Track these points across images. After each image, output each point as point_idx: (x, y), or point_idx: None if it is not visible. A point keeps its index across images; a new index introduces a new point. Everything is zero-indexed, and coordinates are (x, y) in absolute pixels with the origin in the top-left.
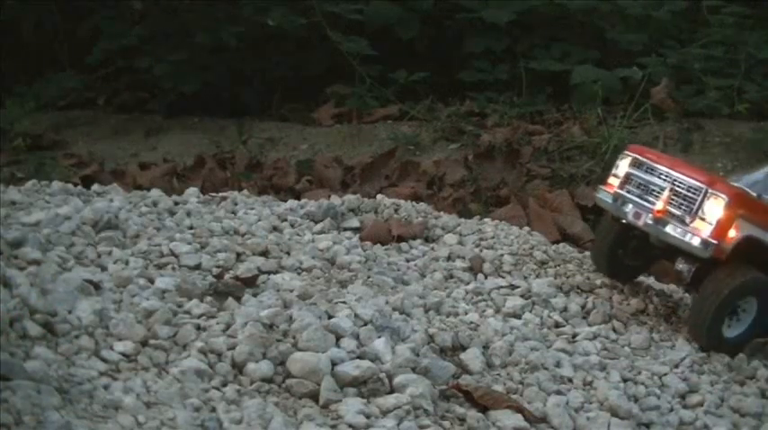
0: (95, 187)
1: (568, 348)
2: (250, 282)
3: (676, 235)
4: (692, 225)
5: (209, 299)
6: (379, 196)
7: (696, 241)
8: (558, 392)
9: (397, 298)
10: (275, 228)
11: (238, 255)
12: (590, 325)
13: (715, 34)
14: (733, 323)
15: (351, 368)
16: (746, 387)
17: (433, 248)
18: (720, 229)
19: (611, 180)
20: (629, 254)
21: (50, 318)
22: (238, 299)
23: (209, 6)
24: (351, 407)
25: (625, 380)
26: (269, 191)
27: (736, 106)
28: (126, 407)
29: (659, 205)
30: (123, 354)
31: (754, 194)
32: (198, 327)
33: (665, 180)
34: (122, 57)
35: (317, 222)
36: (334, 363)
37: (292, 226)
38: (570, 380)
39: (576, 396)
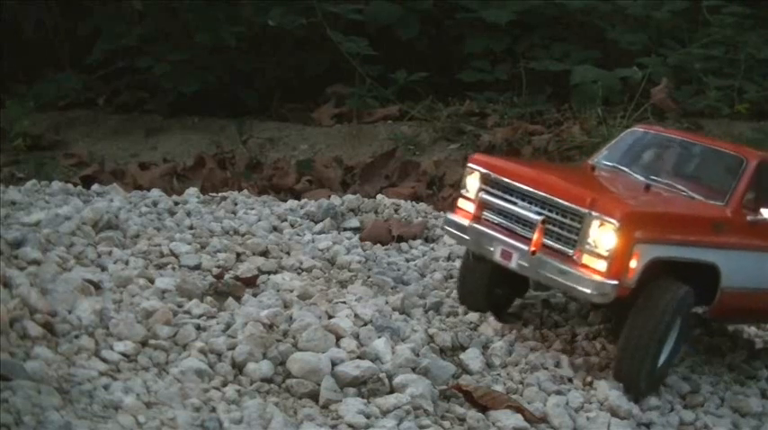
0: (95, 187)
1: (568, 348)
2: (250, 282)
3: (562, 279)
4: (579, 261)
5: (209, 299)
6: (379, 196)
7: (588, 286)
8: (558, 392)
9: (397, 298)
10: (275, 228)
11: (238, 255)
12: (590, 325)
13: (715, 34)
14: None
15: (351, 368)
16: (747, 387)
17: (433, 248)
18: (618, 263)
19: (462, 203)
20: (506, 285)
21: (50, 318)
22: (238, 299)
23: (209, 6)
24: (351, 407)
25: None
26: (269, 191)
27: (736, 106)
28: (126, 407)
29: (533, 240)
30: (123, 354)
31: (621, 167)
32: (198, 327)
33: (531, 203)
34: (122, 57)
35: (316, 222)
36: (334, 363)
37: (292, 226)
38: (570, 380)
39: (575, 396)
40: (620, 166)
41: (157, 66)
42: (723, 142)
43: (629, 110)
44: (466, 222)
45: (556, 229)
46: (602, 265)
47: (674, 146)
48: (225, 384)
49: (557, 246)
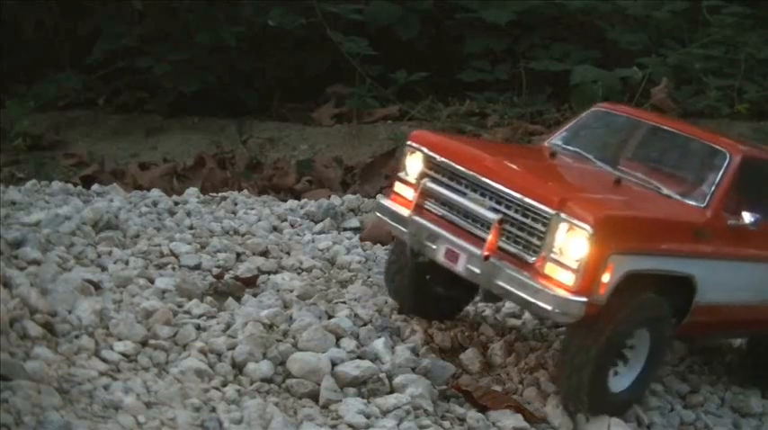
0: (95, 187)
1: None
2: (250, 282)
3: (519, 292)
4: (541, 271)
5: (209, 299)
6: (379, 196)
7: (550, 302)
8: (558, 392)
9: None
10: (275, 228)
11: (238, 255)
12: None
13: (715, 34)
14: (620, 370)
15: (351, 368)
16: (747, 387)
17: None
18: (588, 277)
19: (400, 188)
20: (443, 283)
21: (50, 318)
22: (238, 299)
23: (209, 6)
24: (351, 407)
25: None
26: (269, 191)
27: (736, 106)
28: (126, 407)
29: (487, 242)
30: (123, 354)
31: (584, 154)
32: (198, 327)
33: (484, 195)
34: (122, 57)
35: (316, 222)
36: (334, 363)
37: (292, 226)
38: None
39: None
40: (582, 152)
41: (157, 66)
42: (703, 130)
43: None
44: (405, 212)
45: (514, 230)
46: (568, 278)
47: (644, 131)
48: (225, 384)
49: (515, 250)
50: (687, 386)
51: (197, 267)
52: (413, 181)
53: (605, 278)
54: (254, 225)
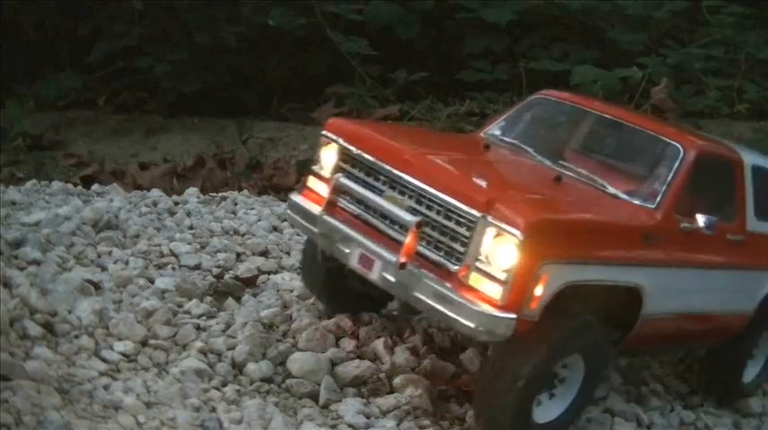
0: (95, 187)
1: None
2: (250, 282)
3: (438, 305)
4: (465, 282)
5: (209, 299)
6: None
7: (473, 319)
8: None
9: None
10: (275, 228)
11: (238, 255)
12: None
13: (715, 34)
14: (547, 400)
15: (351, 368)
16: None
17: None
18: (518, 289)
19: (313, 183)
20: (362, 279)
21: (50, 318)
22: (238, 299)
23: (209, 6)
24: (350, 407)
25: (626, 383)
26: (269, 191)
27: (737, 106)
28: (126, 407)
29: (403, 247)
30: (123, 354)
31: (523, 146)
32: (198, 327)
33: (403, 193)
34: (122, 57)
35: None
36: (333, 363)
37: (292, 226)
38: None
39: None
40: (521, 145)
41: (157, 66)
42: (656, 122)
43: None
44: (316, 209)
45: (436, 235)
46: (495, 291)
47: (590, 121)
48: (225, 384)
49: (436, 257)
50: (687, 386)
51: (197, 267)
52: (327, 175)
53: (538, 291)
54: (254, 225)
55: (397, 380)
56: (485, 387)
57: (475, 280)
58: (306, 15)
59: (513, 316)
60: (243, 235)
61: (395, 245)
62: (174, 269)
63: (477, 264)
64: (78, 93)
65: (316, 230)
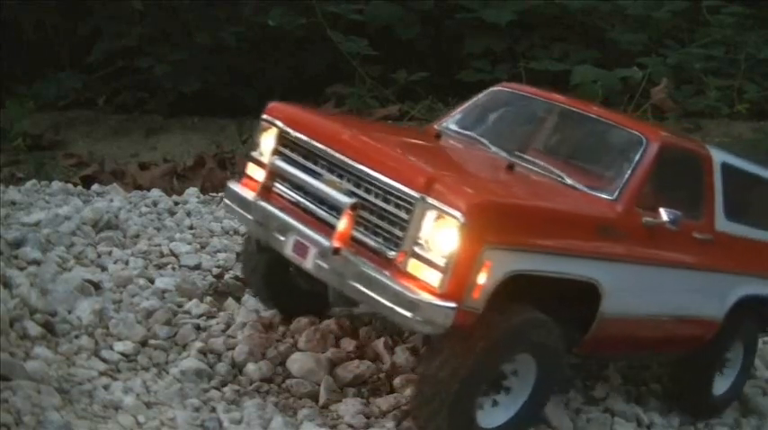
0: (95, 187)
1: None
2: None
3: (372, 293)
4: (402, 269)
5: (208, 299)
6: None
7: (410, 308)
8: (558, 392)
9: None
10: None
11: (238, 255)
12: None
13: (715, 34)
14: (495, 403)
15: (351, 368)
16: (747, 387)
17: None
18: (459, 277)
19: (252, 170)
20: (306, 276)
21: (50, 318)
22: (238, 299)
23: (209, 6)
24: (350, 407)
25: (626, 383)
26: None
27: (737, 106)
28: (126, 407)
29: (336, 232)
30: (123, 354)
31: (477, 137)
32: (198, 327)
33: (342, 177)
34: (122, 57)
35: None
36: (333, 363)
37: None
38: (570, 381)
39: (576, 396)
40: (475, 136)
41: (158, 66)
42: (618, 114)
43: (630, 110)
44: (250, 196)
45: (374, 219)
46: (435, 278)
47: (551, 114)
48: (224, 384)
49: (373, 243)
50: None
51: (197, 267)
52: (266, 161)
53: (481, 279)
54: None
55: (397, 381)
56: (422, 384)
57: (413, 267)
58: (306, 15)
59: (453, 305)
60: (243, 235)
61: (332, 231)
62: (174, 269)
63: (416, 249)
64: (78, 93)
65: (250, 217)
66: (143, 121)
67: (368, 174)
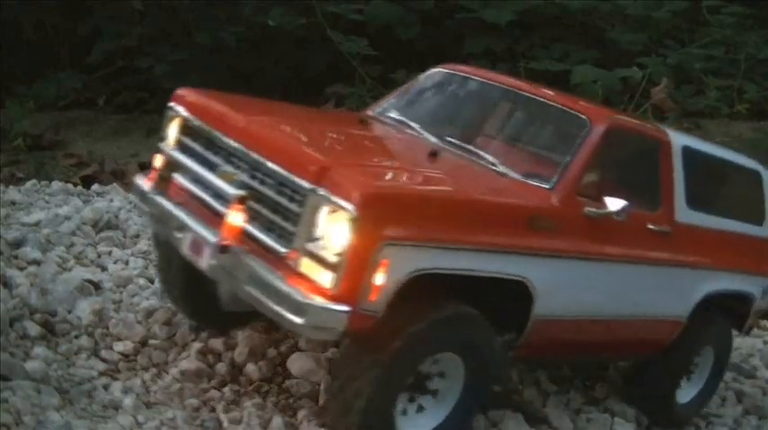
0: (95, 187)
1: None
2: None
3: (260, 296)
4: (295, 268)
5: None
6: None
7: (299, 312)
8: (558, 392)
9: None
10: None
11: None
12: None
13: (715, 34)
14: (421, 408)
15: None
16: (747, 386)
17: None
18: (352, 277)
19: (158, 162)
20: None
21: (50, 318)
22: None
23: (209, 6)
24: None
25: (626, 382)
26: None
27: (736, 106)
28: (125, 406)
29: (223, 227)
30: (123, 354)
31: (409, 122)
32: (197, 328)
33: (239, 167)
34: (122, 57)
35: None
36: None
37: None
38: (570, 381)
39: (576, 396)
40: (407, 121)
41: (157, 66)
42: (562, 95)
43: (630, 110)
44: (147, 188)
45: (268, 213)
46: (327, 279)
47: (491, 96)
48: (224, 384)
49: (266, 240)
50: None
51: None
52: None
53: (378, 279)
54: None
55: None
56: (332, 396)
57: (306, 266)
58: (306, 15)
59: (346, 308)
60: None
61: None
62: None
63: (309, 247)
64: (78, 93)
65: (147, 210)
66: (143, 121)
67: (260, 164)
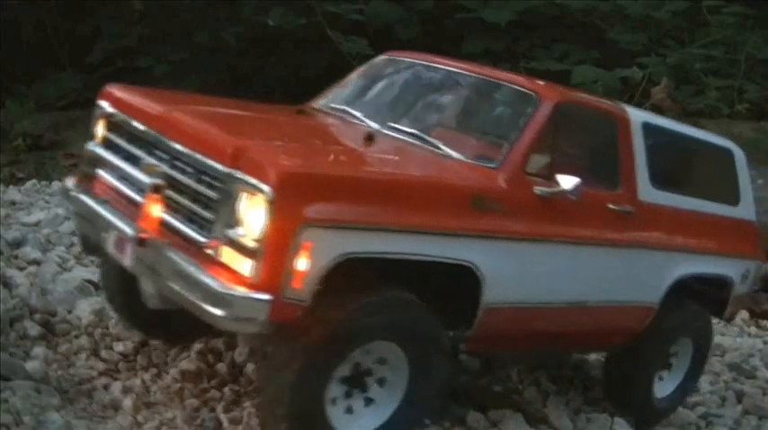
0: None
1: None
2: None
3: (180, 289)
4: (216, 258)
5: None
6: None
7: (218, 304)
8: (558, 392)
9: None
10: None
11: None
12: None
13: (715, 34)
14: (370, 400)
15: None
16: (747, 386)
17: None
18: (272, 263)
19: (84, 159)
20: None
21: (50, 318)
22: None
23: (209, 6)
24: None
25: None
26: None
27: (736, 106)
28: (125, 407)
29: (140, 218)
30: (122, 355)
31: (351, 110)
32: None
33: (162, 159)
34: (122, 57)
35: None
36: None
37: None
38: (571, 381)
39: (575, 396)
40: (348, 110)
41: (157, 66)
42: (509, 74)
43: None
44: (71, 185)
45: (188, 203)
46: (247, 267)
47: (436, 79)
48: (224, 384)
49: (186, 229)
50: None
51: None
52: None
53: (301, 264)
54: None
55: None
56: (260, 389)
57: (227, 255)
58: (306, 15)
59: (267, 297)
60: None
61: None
62: None
63: (229, 234)
64: (78, 93)
65: (72, 209)
66: None
67: (178, 151)
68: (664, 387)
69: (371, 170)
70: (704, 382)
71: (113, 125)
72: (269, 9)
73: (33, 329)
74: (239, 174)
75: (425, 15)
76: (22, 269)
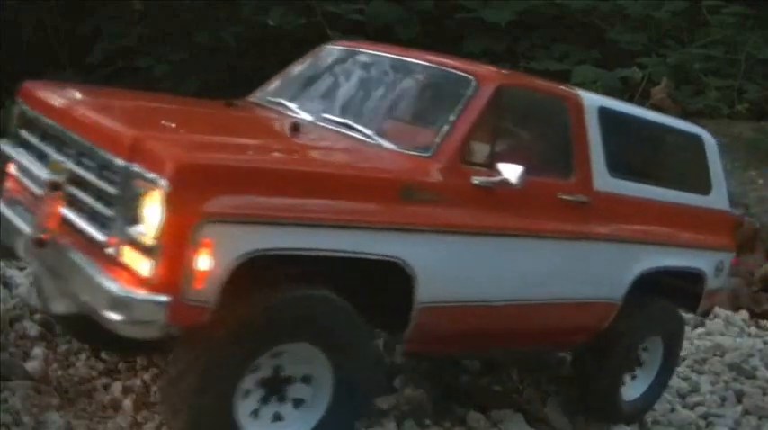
0: None
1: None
2: None
3: (81, 295)
4: (117, 258)
5: None
6: None
7: (113, 307)
8: (558, 392)
9: None
10: None
11: None
12: None
13: (715, 34)
14: (300, 402)
15: None
16: (747, 386)
17: None
18: (170, 261)
19: None
20: None
21: (50, 318)
22: None
23: (209, 6)
24: None
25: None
26: None
27: (736, 106)
28: (125, 407)
29: (39, 218)
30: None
31: (285, 103)
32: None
33: (69, 156)
34: (122, 57)
35: None
36: None
37: None
38: (571, 381)
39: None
40: (283, 102)
41: (157, 66)
42: (450, 58)
43: None
44: None
45: (91, 200)
46: (145, 267)
47: (374, 68)
48: None
49: (86, 228)
50: (687, 386)
51: None
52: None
53: (202, 263)
54: None
55: (397, 381)
56: (163, 394)
57: (128, 255)
58: (306, 15)
59: (164, 298)
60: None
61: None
62: None
63: (129, 232)
64: None
65: None
66: None
67: (81, 146)
68: (632, 389)
69: (283, 161)
70: (704, 382)
71: (26, 122)
72: (269, 9)
73: (33, 329)
74: (137, 167)
75: (425, 15)
76: (21, 269)
